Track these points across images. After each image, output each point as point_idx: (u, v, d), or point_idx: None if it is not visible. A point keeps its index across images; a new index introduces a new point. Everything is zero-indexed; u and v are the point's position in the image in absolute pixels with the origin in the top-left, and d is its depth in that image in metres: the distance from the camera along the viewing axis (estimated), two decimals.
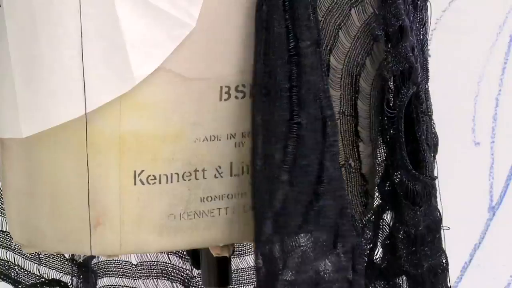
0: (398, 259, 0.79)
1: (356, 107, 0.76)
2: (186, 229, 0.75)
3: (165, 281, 1.02)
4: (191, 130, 0.73)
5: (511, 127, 1.41)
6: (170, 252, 1.01)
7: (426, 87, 0.80)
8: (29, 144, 0.76)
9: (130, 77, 0.71)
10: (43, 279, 0.95)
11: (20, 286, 0.94)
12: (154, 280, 1.01)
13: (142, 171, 0.73)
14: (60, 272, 0.96)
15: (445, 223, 0.82)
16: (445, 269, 0.80)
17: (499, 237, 1.43)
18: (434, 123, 0.81)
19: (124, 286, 0.97)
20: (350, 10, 0.74)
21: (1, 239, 0.93)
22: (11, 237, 0.88)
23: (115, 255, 0.91)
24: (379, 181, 0.80)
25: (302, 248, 0.70)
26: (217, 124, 0.74)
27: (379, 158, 0.80)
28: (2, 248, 0.93)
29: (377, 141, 0.78)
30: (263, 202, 0.70)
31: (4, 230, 0.93)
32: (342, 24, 0.74)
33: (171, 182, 0.74)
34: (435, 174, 0.80)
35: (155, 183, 0.73)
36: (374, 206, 0.82)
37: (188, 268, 1.02)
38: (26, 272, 0.94)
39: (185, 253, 1.02)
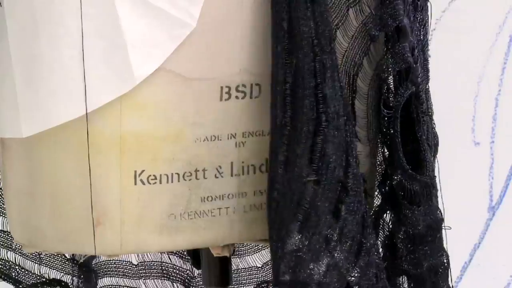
0: (398, 258, 0.79)
1: (354, 107, 0.76)
2: (187, 229, 0.75)
3: (165, 281, 1.02)
4: (192, 130, 0.73)
5: (511, 127, 1.41)
6: (171, 252, 1.01)
7: (427, 87, 0.80)
8: (30, 144, 0.76)
9: (131, 77, 0.71)
10: (44, 279, 0.95)
11: (21, 286, 0.94)
12: (155, 280, 1.01)
13: (143, 171, 0.73)
14: (61, 272, 0.96)
15: (445, 223, 0.82)
16: (446, 268, 0.80)
17: (499, 237, 1.43)
18: (434, 123, 0.81)
19: (125, 286, 0.97)
20: (347, 10, 0.74)
21: (2, 239, 0.93)
22: (11, 237, 0.88)
23: (116, 255, 0.92)
24: (378, 181, 0.80)
25: (331, 247, 0.70)
26: (218, 124, 0.74)
27: (379, 158, 0.80)
28: (3, 248, 0.93)
29: (375, 141, 0.78)
30: (289, 203, 0.69)
31: (4, 230, 0.93)
32: (340, 24, 0.74)
33: (172, 182, 0.74)
34: (435, 174, 0.80)
35: (155, 183, 0.73)
36: (374, 206, 0.82)
37: (188, 268, 1.02)
38: (26, 272, 0.94)
39: (185, 253, 1.02)
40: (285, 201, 0.69)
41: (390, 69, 0.74)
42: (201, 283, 0.99)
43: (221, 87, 0.73)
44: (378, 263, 0.71)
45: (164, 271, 1.01)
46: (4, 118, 0.77)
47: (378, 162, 0.80)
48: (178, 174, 0.74)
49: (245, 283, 1.01)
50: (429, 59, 0.81)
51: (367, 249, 0.70)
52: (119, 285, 0.97)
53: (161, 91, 0.72)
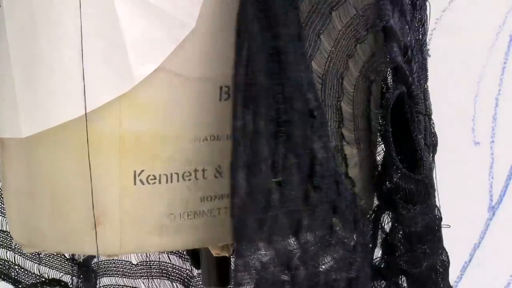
0: (396, 258, 0.79)
1: (340, 110, 0.75)
2: (186, 229, 0.75)
3: (165, 280, 1.02)
4: (191, 130, 0.73)
5: (511, 127, 1.41)
6: (170, 252, 1.01)
7: (425, 87, 0.80)
8: (29, 144, 0.76)
9: (130, 77, 0.71)
10: (43, 279, 0.95)
11: (20, 286, 0.94)
12: (154, 279, 1.01)
13: (142, 171, 0.73)
14: (60, 272, 0.96)
15: (444, 222, 0.82)
16: (446, 267, 0.80)
17: (499, 236, 1.43)
18: (433, 123, 0.81)
19: (124, 285, 0.98)
20: (330, 13, 0.74)
21: (1, 238, 0.93)
22: (11, 237, 0.88)
23: (115, 255, 0.92)
24: (374, 182, 0.80)
25: (300, 247, 0.70)
26: (217, 124, 0.74)
27: (377, 159, 0.80)
28: (3, 247, 0.93)
29: (365, 143, 0.78)
30: (255, 207, 0.68)
31: (4, 229, 0.93)
32: (323, 28, 0.74)
33: (171, 182, 0.74)
34: (434, 174, 0.80)
35: (155, 183, 0.73)
36: (374, 206, 0.82)
37: (188, 267, 1.02)
38: (26, 272, 0.94)
39: (185, 252, 1.02)
40: (248, 207, 0.68)
41: (378, 70, 0.74)
42: (200, 282, 0.99)
43: (221, 87, 0.73)
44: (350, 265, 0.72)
45: (163, 271, 1.01)
46: (3, 118, 0.77)
47: (373, 164, 0.80)
48: (177, 174, 0.74)
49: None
50: (428, 58, 0.81)
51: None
52: (118, 285, 0.97)
53: (161, 90, 0.72)
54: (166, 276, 1.01)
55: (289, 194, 0.69)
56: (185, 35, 0.71)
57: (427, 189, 0.77)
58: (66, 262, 0.96)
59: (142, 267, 1.00)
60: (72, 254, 0.96)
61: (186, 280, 1.02)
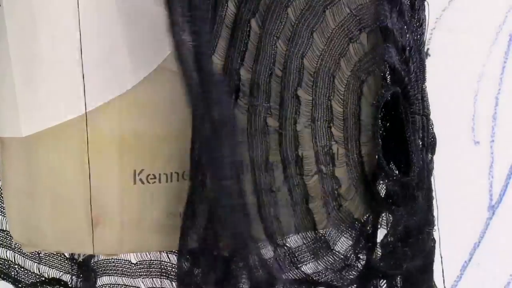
0: (377, 260, 0.79)
1: (331, 108, 0.75)
2: None
3: (164, 279, 1.02)
4: (191, 129, 0.73)
5: (511, 126, 1.41)
6: (170, 251, 1.01)
7: (423, 87, 0.80)
8: (29, 144, 0.76)
9: (130, 76, 0.71)
10: (43, 278, 0.95)
11: (20, 285, 0.94)
12: (154, 278, 1.01)
13: (142, 170, 0.73)
14: (60, 271, 0.96)
15: (444, 222, 0.82)
16: (425, 272, 0.79)
17: (499, 236, 1.43)
18: (432, 123, 0.81)
19: (124, 285, 0.97)
20: (324, 11, 0.74)
21: (1, 238, 0.93)
22: (11, 236, 0.88)
23: (115, 254, 0.92)
24: (363, 182, 0.80)
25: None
26: None
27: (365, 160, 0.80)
28: (2, 247, 0.93)
29: (355, 143, 0.78)
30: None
31: (4, 229, 0.93)
32: (317, 26, 0.74)
33: (171, 181, 0.74)
34: (434, 174, 0.80)
35: (155, 182, 0.73)
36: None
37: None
38: (26, 271, 0.94)
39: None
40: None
41: (369, 70, 0.75)
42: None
43: None
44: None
45: (163, 270, 1.01)
46: (3, 117, 0.77)
47: (361, 164, 0.80)
48: (177, 173, 0.74)
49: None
50: (428, 58, 0.81)
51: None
52: (118, 284, 0.97)
53: (161, 90, 0.73)
54: (165, 275, 1.01)
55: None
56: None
57: (412, 192, 0.77)
58: (66, 262, 0.96)
59: (142, 266, 1.00)
60: (72, 254, 0.96)
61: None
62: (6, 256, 0.93)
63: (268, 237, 0.75)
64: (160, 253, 1.00)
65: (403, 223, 0.76)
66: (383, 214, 0.78)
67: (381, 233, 0.80)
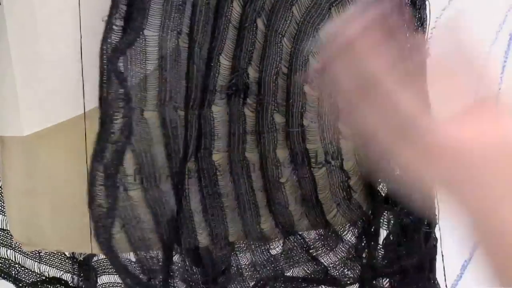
0: (377, 260, 0.79)
1: (338, 105, 0.75)
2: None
3: None
4: None
5: None
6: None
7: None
8: (29, 143, 0.76)
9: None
10: (44, 277, 0.95)
11: (20, 284, 0.94)
12: None
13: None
14: (61, 270, 0.96)
15: (445, 220, 0.82)
16: (420, 270, 0.79)
17: None
18: None
19: (123, 283, 0.97)
20: (329, 9, 0.74)
21: (1, 237, 0.93)
22: (11, 236, 0.88)
23: None
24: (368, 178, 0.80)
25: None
26: None
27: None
28: (3, 246, 0.93)
29: (360, 138, 0.77)
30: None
31: (4, 228, 0.93)
32: (322, 23, 0.74)
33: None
34: None
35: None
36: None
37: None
38: (26, 270, 0.94)
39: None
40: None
41: None
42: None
43: None
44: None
45: None
46: (4, 116, 0.77)
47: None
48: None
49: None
50: (428, 57, 0.81)
51: None
52: (117, 283, 0.97)
53: None
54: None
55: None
56: None
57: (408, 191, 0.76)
58: (66, 261, 0.95)
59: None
60: (72, 253, 0.96)
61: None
62: (7, 255, 0.93)
63: (278, 228, 0.76)
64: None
65: (399, 222, 0.76)
66: (384, 214, 0.78)
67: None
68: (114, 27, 0.65)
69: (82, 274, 0.96)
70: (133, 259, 0.99)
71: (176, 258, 0.74)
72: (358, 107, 0.56)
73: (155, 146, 0.70)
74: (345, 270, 0.79)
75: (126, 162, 0.69)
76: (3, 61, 0.76)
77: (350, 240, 0.79)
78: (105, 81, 0.65)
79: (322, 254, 0.79)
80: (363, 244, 0.79)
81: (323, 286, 0.80)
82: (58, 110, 0.73)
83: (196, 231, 0.74)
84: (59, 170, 0.75)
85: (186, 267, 0.74)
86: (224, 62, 0.72)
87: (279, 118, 0.74)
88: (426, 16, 0.80)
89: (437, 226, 0.82)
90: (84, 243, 0.75)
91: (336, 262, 0.79)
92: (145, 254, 0.71)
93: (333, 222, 0.78)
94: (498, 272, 0.55)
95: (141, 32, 0.68)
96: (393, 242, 0.77)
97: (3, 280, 0.94)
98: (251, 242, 0.76)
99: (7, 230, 0.91)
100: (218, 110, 0.72)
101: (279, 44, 0.73)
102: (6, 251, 0.93)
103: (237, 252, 0.81)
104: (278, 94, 0.74)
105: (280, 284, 0.78)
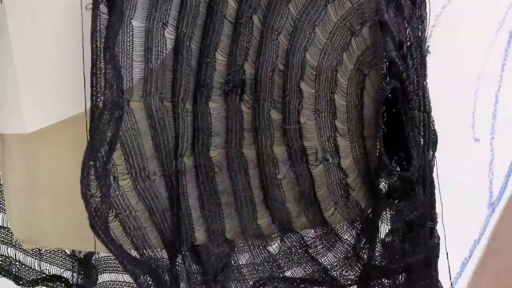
0: (376, 259, 0.79)
1: (334, 102, 0.76)
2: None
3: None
4: None
5: (511, 123, 1.40)
6: None
7: (424, 83, 0.80)
8: (30, 141, 0.76)
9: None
10: (44, 275, 0.95)
11: (21, 282, 0.94)
12: None
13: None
14: (61, 268, 0.96)
15: (445, 219, 0.82)
16: (426, 266, 0.79)
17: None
18: (433, 120, 0.81)
19: (124, 282, 0.97)
20: (326, 6, 0.74)
21: (2, 235, 0.93)
22: (11, 233, 0.88)
23: None
24: (367, 175, 0.80)
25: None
26: None
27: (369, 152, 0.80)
28: (3, 244, 0.93)
29: (357, 135, 0.78)
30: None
31: (4, 226, 0.93)
32: (319, 20, 0.74)
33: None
34: (435, 171, 0.80)
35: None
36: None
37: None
38: (27, 268, 0.94)
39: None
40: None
41: (371, 64, 0.75)
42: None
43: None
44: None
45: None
46: (7, 114, 0.78)
47: (365, 156, 0.80)
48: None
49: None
50: (428, 55, 0.81)
51: None
52: (118, 281, 0.97)
53: None
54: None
55: None
56: None
57: (412, 187, 0.77)
58: (66, 259, 0.96)
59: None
60: (73, 250, 0.96)
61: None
62: (7, 253, 0.93)
63: (275, 224, 0.76)
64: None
65: (403, 218, 0.76)
66: (386, 211, 0.78)
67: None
68: (102, 15, 0.66)
69: (82, 272, 0.96)
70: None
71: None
72: None
73: (142, 137, 0.71)
74: (345, 270, 0.79)
75: (116, 153, 0.69)
76: (5, 60, 0.76)
77: (349, 240, 0.80)
78: (96, 72, 0.66)
79: (321, 254, 0.79)
80: (363, 243, 0.79)
81: (323, 287, 0.80)
82: (60, 108, 0.73)
83: (194, 227, 0.74)
84: (60, 168, 0.75)
85: (186, 265, 0.74)
86: (220, 58, 0.72)
87: (275, 115, 0.74)
88: (426, 14, 0.80)
89: (439, 224, 0.82)
90: (85, 241, 0.75)
91: (336, 262, 0.79)
92: (146, 252, 0.71)
93: (330, 221, 0.78)
94: None
95: (129, 23, 0.68)
96: (398, 239, 0.77)
97: (3, 278, 0.94)
98: (249, 241, 0.76)
99: (8, 227, 0.92)
100: (215, 107, 0.73)
101: (275, 41, 0.73)
102: (7, 248, 0.93)
103: (236, 251, 0.81)
104: (274, 91, 0.74)
105: (279, 284, 0.78)
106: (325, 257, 0.79)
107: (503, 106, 1.40)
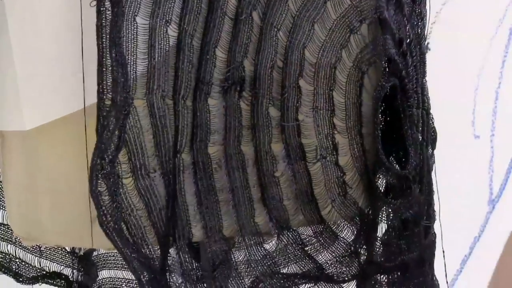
0: (375, 256, 0.79)
1: (332, 99, 0.76)
2: None
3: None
4: None
5: (511, 120, 1.41)
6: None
7: (424, 81, 0.80)
8: (29, 138, 0.76)
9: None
10: (44, 272, 0.95)
11: (21, 279, 0.94)
12: None
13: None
14: (61, 265, 0.96)
15: (445, 216, 0.82)
16: (420, 265, 0.79)
17: (498, 230, 1.43)
18: (433, 117, 0.81)
19: (123, 278, 0.97)
20: (325, 3, 0.74)
21: (2, 232, 0.93)
22: (11, 230, 0.88)
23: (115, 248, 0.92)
24: (364, 173, 0.80)
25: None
26: None
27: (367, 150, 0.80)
28: (3, 241, 0.93)
29: (356, 133, 0.78)
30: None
31: (4, 223, 0.93)
32: (318, 17, 0.74)
33: None
34: (435, 168, 0.80)
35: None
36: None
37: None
38: (27, 265, 0.94)
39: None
40: None
41: (370, 61, 0.75)
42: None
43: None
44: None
45: None
46: (7, 111, 0.78)
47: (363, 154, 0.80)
48: None
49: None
50: (429, 52, 0.81)
51: None
52: (117, 278, 0.97)
53: None
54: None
55: None
56: None
57: (409, 185, 0.76)
58: (66, 255, 0.96)
59: None
60: (73, 248, 0.96)
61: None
62: (7, 250, 0.93)
63: (272, 222, 0.76)
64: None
65: (399, 215, 0.76)
66: (383, 209, 0.78)
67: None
68: (107, 13, 0.66)
69: (82, 269, 0.96)
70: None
71: (171, 251, 0.74)
72: None
73: (144, 135, 0.71)
74: (342, 267, 0.79)
75: (122, 151, 0.70)
76: (5, 57, 0.76)
77: (347, 237, 0.80)
78: (103, 69, 0.66)
79: (318, 251, 0.79)
80: (361, 240, 0.79)
81: (320, 284, 0.80)
82: (59, 105, 0.73)
83: (190, 224, 0.74)
84: (60, 165, 0.75)
85: (182, 261, 0.74)
86: (220, 55, 0.72)
87: (274, 112, 0.74)
88: (426, 11, 0.80)
89: (437, 221, 0.82)
90: (85, 238, 0.75)
91: (333, 259, 0.79)
92: (142, 245, 0.72)
93: (327, 218, 0.78)
94: None
95: (133, 20, 0.68)
96: (394, 237, 0.77)
97: (3, 275, 0.94)
98: (246, 238, 0.76)
99: (7, 225, 0.92)
100: (214, 104, 0.73)
101: (274, 38, 0.73)
102: (7, 245, 0.93)
103: (233, 248, 0.82)
104: (273, 88, 0.74)
105: (276, 281, 0.78)
106: (322, 254, 0.79)
107: (503, 103, 1.40)
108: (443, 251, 0.83)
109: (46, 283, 0.95)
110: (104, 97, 0.66)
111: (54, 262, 0.96)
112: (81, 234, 0.75)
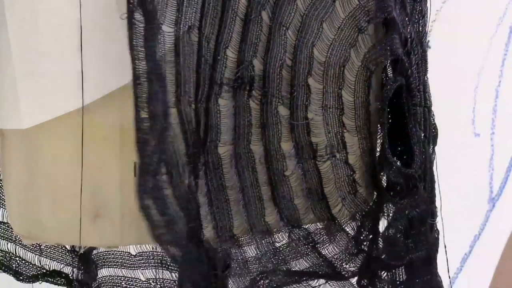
0: (377, 253, 0.79)
1: (341, 98, 0.76)
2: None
3: (163, 271, 1.02)
4: None
5: (511, 119, 1.41)
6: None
7: (425, 79, 0.80)
8: (29, 136, 0.76)
9: (129, 70, 0.71)
10: (44, 270, 0.95)
11: (21, 277, 0.94)
12: (153, 270, 1.01)
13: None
14: (61, 263, 0.96)
15: (445, 214, 0.82)
16: (427, 263, 0.79)
17: (499, 228, 1.43)
18: (433, 115, 0.81)
19: (123, 276, 0.97)
20: (334, 2, 0.74)
21: (2, 230, 0.93)
22: (11, 229, 0.88)
23: (115, 246, 0.92)
24: (372, 172, 0.80)
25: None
26: None
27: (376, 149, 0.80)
28: (3, 239, 0.93)
29: (364, 132, 0.78)
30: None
31: (4, 221, 0.93)
32: (326, 16, 0.74)
33: None
34: (435, 166, 0.80)
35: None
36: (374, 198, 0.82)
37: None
38: (27, 264, 0.94)
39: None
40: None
41: (378, 61, 0.75)
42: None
43: None
44: None
45: (162, 261, 1.01)
46: (5, 109, 0.77)
47: (372, 153, 0.80)
48: None
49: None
50: (429, 50, 0.81)
51: None
52: (117, 276, 0.97)
53: None
54: (165, 266, 1.01)
55: None
56: None
57: (415, 183, 0.77)
58: (66, 254, 0.96)
59: (141, 257, 1.00)
60: (73, 246, 0.96)
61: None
62: (7, 248, 0.93)
63: (283, 221, 0.76)
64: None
65: (406, 214, 0.76)
66: (384, 205, 0.78)
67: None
68: (137, 24, 0.65)
69: (82, 267, 0.96)
70: (133, 252, 0.99)
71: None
72: None
73: (177, 144, 0.70)
74: (346, 262, 0.80)
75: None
76: (3, 55, 0.76)
77: (352, 233, 0.80)
78: (138, 82, 0.65)
79: (324, 247, 0.80)
80: (364, 235, 0.79)
81: (329, 279, 0.80)
82: (58, 103, 0.73)
83: (202, 224, 0.74)
84: (59, 163, 0.75)
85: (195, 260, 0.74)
86: (231, 55, 0.72)
87: (283, 111, 0.74)
88: (427, 9, 0.80)
89: (438, 219, 0.82)
90: (84, 236, 0.75)
91: (338, 254, 0.80)
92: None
93: (338, 217, 0.78)
94: None
95: (160, 29, 0.67)
96: (400, 235, 0.77)
97: (3, 273, 0.94)
98: (256, 236, 0.76)
99: (7, 223, 0.92)
100: (224, 103, 0.73)
101: (283, 37, 0.73)
102: (7, 244, 0.93)
103: (241, 245, 0.82)
104: (282, 87, 0.74)
105: (281, 277, 0.79)
106: (328, 250, 0.80)
107: (503, 101, 1.40)
108: (445, 248, 0.83)
109: (46, 282, 0.95)
110: (143, 110, 0.65)
111: (54, 261, 0.96)
112: (81, 233, 0.75)
